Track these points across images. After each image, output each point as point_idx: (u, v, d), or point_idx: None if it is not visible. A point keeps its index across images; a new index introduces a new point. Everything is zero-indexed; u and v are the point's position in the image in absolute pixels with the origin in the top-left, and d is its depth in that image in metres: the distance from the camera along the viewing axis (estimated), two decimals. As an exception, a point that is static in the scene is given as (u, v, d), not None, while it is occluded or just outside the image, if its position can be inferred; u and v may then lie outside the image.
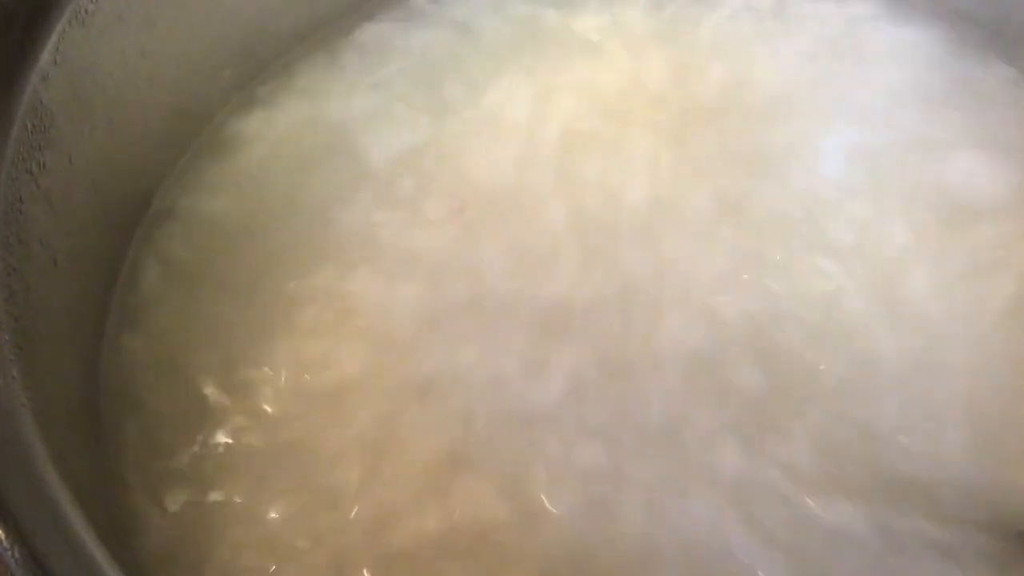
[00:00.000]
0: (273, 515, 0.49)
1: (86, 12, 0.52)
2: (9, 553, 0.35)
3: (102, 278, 0.56)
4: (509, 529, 0.48)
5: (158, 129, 0.60)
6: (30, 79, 0.49)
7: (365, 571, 0.48)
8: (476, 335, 0.53)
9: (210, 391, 0.52)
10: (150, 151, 0.60)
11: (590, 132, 0.61)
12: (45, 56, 0.50)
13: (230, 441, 0.51)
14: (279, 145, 0.62)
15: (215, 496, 0.50)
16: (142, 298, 0.56)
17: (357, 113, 0.63)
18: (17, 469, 0.37)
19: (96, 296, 0.55)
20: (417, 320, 0.54)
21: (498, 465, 0.50)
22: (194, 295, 0.56)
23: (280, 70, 0.67)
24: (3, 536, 0.35)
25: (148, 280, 0.57)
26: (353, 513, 0.49)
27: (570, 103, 0.63)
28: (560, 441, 0.50)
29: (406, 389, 0.52)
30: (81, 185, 0.53)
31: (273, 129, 0.63)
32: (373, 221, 0.58)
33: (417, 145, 0.61)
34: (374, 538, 0.48)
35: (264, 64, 0.67)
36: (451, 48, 0.66)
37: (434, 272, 0.56)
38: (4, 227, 0.45)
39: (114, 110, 0.56)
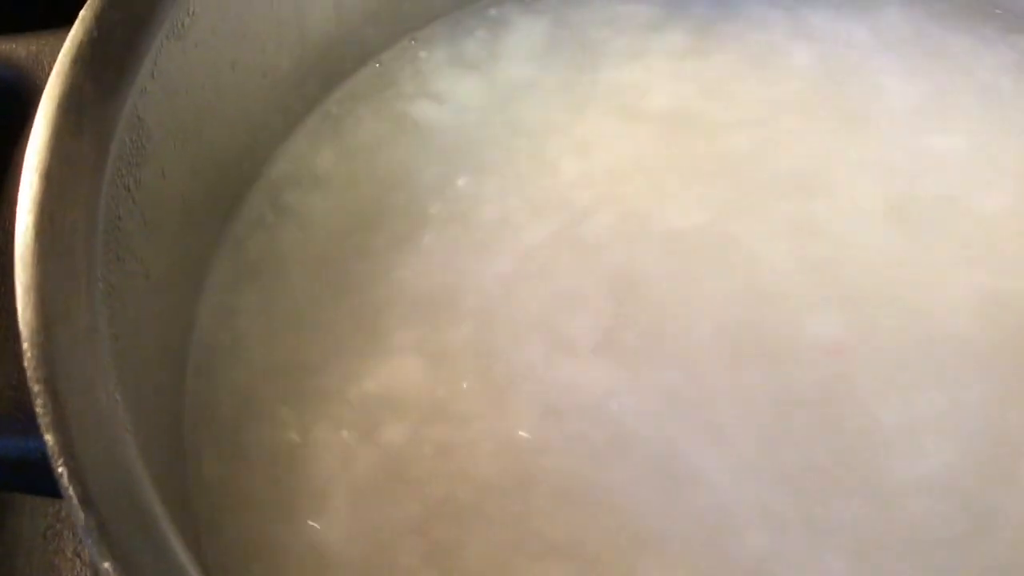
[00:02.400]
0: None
1: (183, 25, 0.52)
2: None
3: (190, 287, 0.56)
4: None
5: (244, 140, 0.60)
6: (130, 94, 0.48)
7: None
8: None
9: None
10: (237, 161, 0.60)
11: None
12: (143, 70, 0.49)
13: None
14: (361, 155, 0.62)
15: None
16: (230, 303, 0.57)
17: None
18: (125, 497, 0.37)
19: (184, 306, 0.56)
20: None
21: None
22: (278, 297, 0.57)
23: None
24: None
25: (235, 285, 0.58)
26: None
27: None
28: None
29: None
30: (172, 198, 0.53)
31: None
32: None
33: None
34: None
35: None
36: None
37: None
38: (105, 246, 0.45)
39: (205, 122, 0.56)
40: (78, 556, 0.72)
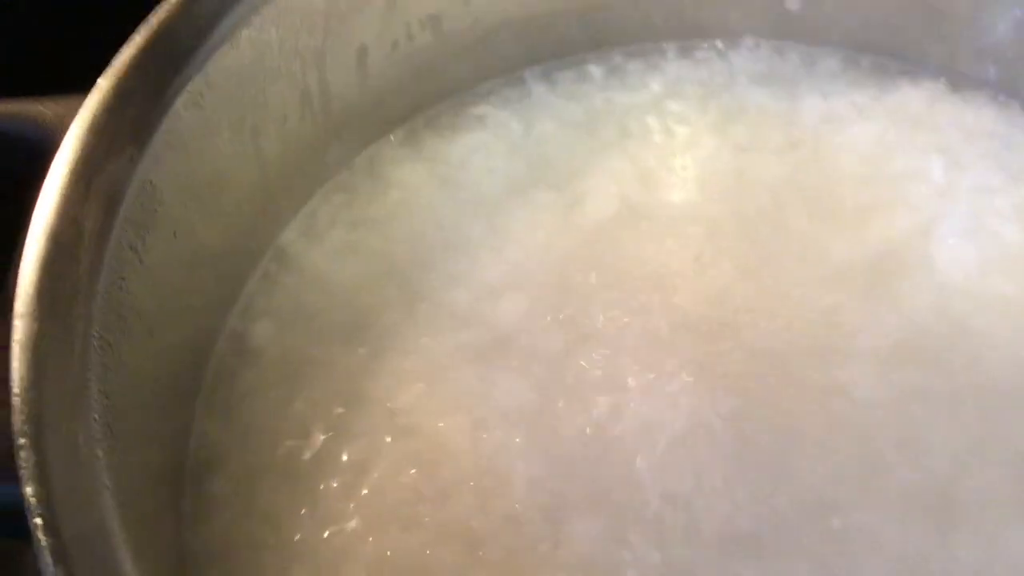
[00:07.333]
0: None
1: (201, 95, 0.54)
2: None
3: (195, 346, 0.58)
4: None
5: (261, 205, 0.62)
6: (143, 162, 0.50)
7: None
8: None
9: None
10: (253, 227, 0.62)
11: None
12: (158, 139, 0.51)
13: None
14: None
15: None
16: (235, 367, 0.59)
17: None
18: (98, 554, 0.39)
19: (187, 364, 0.57)
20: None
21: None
22: (282, 371, 0.58)
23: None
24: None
25: (243, 348, 0.59)
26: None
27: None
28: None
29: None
30: (182, 257, 0.55)
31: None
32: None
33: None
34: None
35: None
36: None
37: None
38: (104, 304, 0.47)
39: (221, 188, 0.58)
40: None
